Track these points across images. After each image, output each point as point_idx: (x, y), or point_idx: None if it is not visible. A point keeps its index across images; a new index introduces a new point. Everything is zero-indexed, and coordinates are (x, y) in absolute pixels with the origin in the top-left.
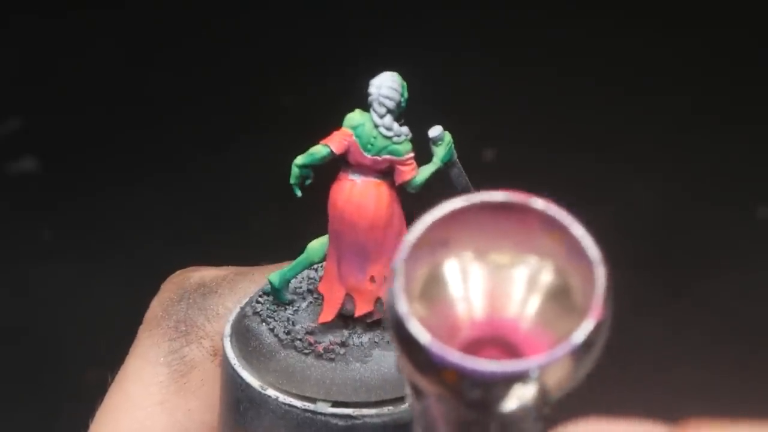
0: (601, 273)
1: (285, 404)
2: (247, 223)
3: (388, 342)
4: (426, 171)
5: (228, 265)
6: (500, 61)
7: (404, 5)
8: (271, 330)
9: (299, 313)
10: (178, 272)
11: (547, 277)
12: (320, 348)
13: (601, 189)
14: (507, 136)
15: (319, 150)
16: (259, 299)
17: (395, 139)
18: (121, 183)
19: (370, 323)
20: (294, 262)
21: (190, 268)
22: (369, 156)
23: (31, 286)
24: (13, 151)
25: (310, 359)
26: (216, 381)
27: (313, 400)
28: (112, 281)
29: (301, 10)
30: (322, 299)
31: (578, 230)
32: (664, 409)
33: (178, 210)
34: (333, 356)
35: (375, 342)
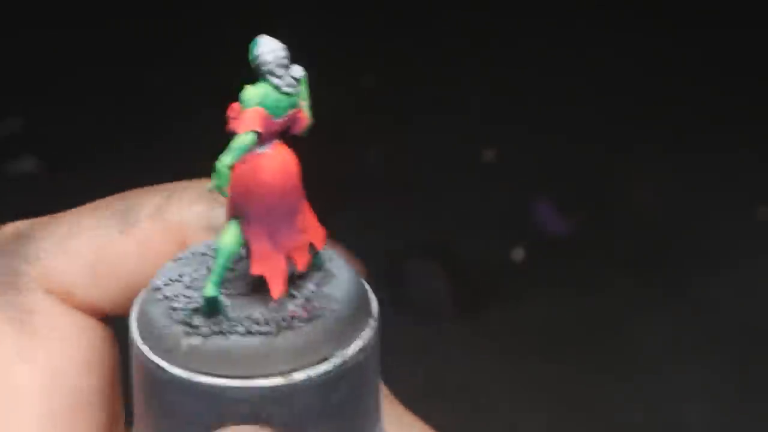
0: None
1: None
2: None
3: (324, 277)
4: (307, 110)
5: None
6: (500, 60)
7: (404, 5)
8: (238, 333)
9: (232, 312)
10: None
11: None
12: (305, 313)
13: (601, 189)
14: (507, 136)
15: (245, 140)
16: (193, 323)
17: (296, 86)
18: (122, 183)
19: (304, 272)
20: (217, 266)
21: (5, 224)
22: (279, 120)
23: None
24: (13, 151)
25: (308, 327)
26: (62, 315)
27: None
28: None
29: (302, 11)
30: (257, 283)
31: None
32: (664, 409)
33: None
34: (318, 313)
35: (317, 283)
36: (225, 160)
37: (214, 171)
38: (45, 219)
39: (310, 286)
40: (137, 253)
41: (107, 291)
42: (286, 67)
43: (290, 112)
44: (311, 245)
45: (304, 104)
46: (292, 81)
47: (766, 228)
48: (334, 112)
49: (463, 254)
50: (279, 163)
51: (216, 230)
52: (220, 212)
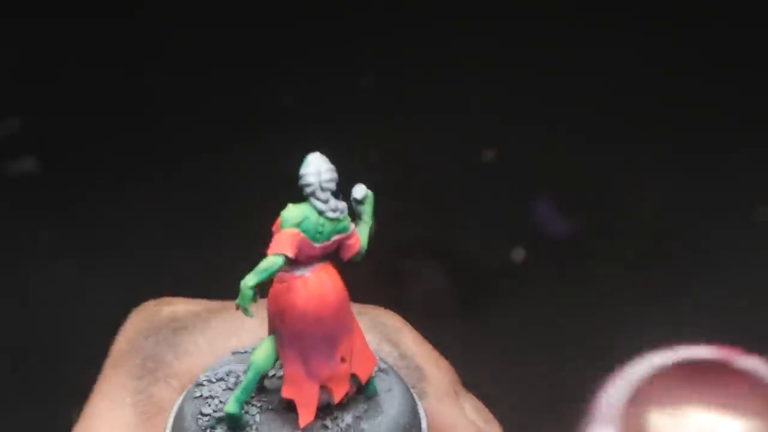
0: None
1: None
2: (249, 224)
3: (367, 410)
4: (364, 235)
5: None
6: (501, 60)
7: (405, 4)
8: None
9: (261, 428)
10: (146, 303)
11: None
12: None
13: (601, 189)
14: (507, 136)
15: (273, 262)
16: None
17: (342, 216)
18: (122, 183)
19: (343, 403)
20: (244, 382)
21: (162, 299)
22: (319, 245)
23: (29, 287)
24: (13, 151)
25: None
26: None
27: None
28: (112, 282)
29: (302, 10)
30: (284, 406)
31: None
32: None
33: (179, 210)
34: None
35: (358, 417)
36: (248, 281)
37: (239, 290)
38: (204, 309)
39: (347, 419)
40: None
41: None
42: (332, 191)
43: (336, 237)
44: (354, 376)
45: (362, 229)
46: (338, 206)
47: (766, 228)
48: (334, 112)
49: (463, 254)
50: (315, 289)
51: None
52: (388, 350)
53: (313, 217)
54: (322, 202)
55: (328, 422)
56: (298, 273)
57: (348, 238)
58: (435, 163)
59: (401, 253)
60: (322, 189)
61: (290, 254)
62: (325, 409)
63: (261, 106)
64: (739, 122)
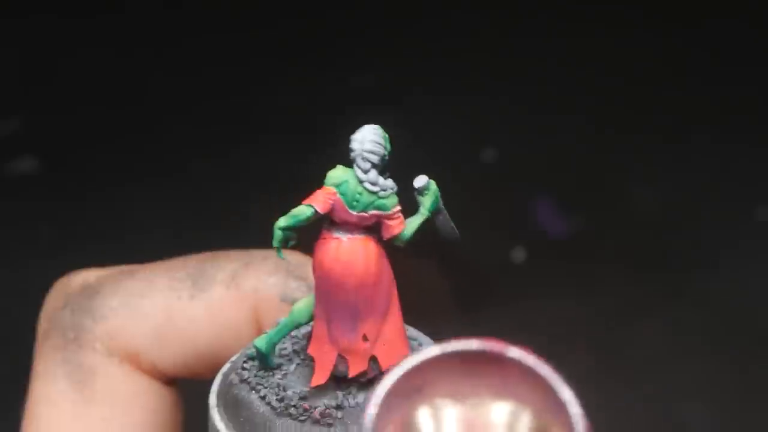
0: (579, 423)
1: None
2: (249, 221)
3: None
4: (414, 223)
5: None
6: (501, 60)
7: (405, 4)
8: (263, 398)
9: (288, 377)
10: (60, 279)
11: (525, 424)
12: (317, 413)
13: (601, 189)
14: (507, 136)
15: (303, 211)
16: (245, 365)
17: (381, 193)
18: (122, 183)
19: (363, 382)
20: (279, 325)
21: (73, 273)
22: (355, 213)
23: (29, 287)
24: (13, 151)
25: (307, 426)
26: (123, 382)
27: None
28: None
29: (302, 10)
30: (313, 362)
31: (557, 382)
32: (664, 408)
33: (179, 210)
34: (331, 421)
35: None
36: (280, 222)
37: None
38: (114, 273)
39: (359, 398)
40: (206, 318)
41: (172, 354)
42: (372, 163)
43: (374, 211)
44: (375, 360)
45: (414, 217)
46: (380, 181)
47: (766, 228)
48: (333, 112)
49: (463, 254)
50: (344, 255)
51: (288, 302)
52: (294, 285)
53: (353, 182)
54: (362, 171)
55: (339, 394)
56: (336, 234)
57: (388, 217)
58: (435, 163)
59: (401, 252)
60: (363, 158)
61: (320, 209)
62: (341, 381)
63: (261, 106)
64: (740, 122)
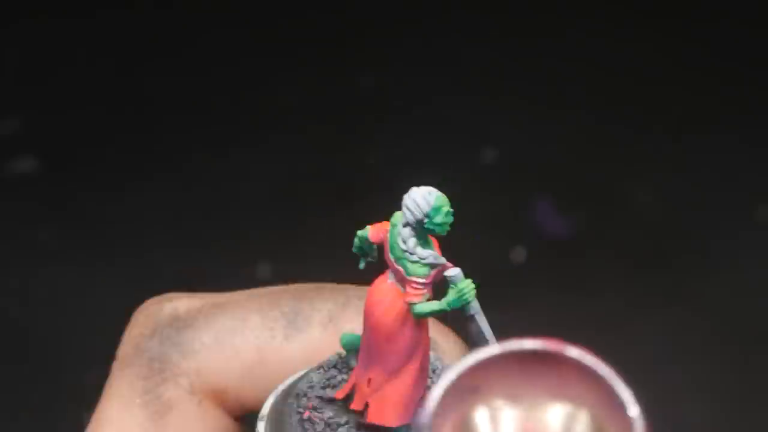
0: (639, 424)
1: None
2: (250, 222)
3: None
4: (429, 306)
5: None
6: (501, 60)
7: (405, 4)
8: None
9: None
10: (147, 302)
11: (581, 425)
12: (307, 414)
13: (601, 189)
14: (507, 136)
15: (361, 231)
16: (308, 392)
17: (409, 256)
18: (122, 183)
19: (360, 422)
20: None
21: (162, 296)
22: (391, 258)
23: (29, 287)
24: (13, 151)
25: None
26: (196, 420)
27: None
28: (113, 283)
29: (302, 10)
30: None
31: (618, 383)
32: (664, 409)
33: (180, 211)
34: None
35: (350, 427)
36: (358, 232)
37: None
38: (204, 304)
39: (342, 423)
40: (301, 359)
41: (262, 392)
42: (407, 220)
43: (399, 267)
44: (366, 407)
45: (434, 302)
46: (411, 247)
47: (766, 228)
48: (333, 112)
49: (463, 254)
50: (376, 294)
51: None
52: None
53: (395, 230)
54: (401, 223)
55: (330, 411)
56: (388, 273)
57: (407, 282)
58: (435, 163)
59: None
60: (403, 210)
61: (370, 235)
62: (346, 401)
63: (261, 106)
64: (739, 122)
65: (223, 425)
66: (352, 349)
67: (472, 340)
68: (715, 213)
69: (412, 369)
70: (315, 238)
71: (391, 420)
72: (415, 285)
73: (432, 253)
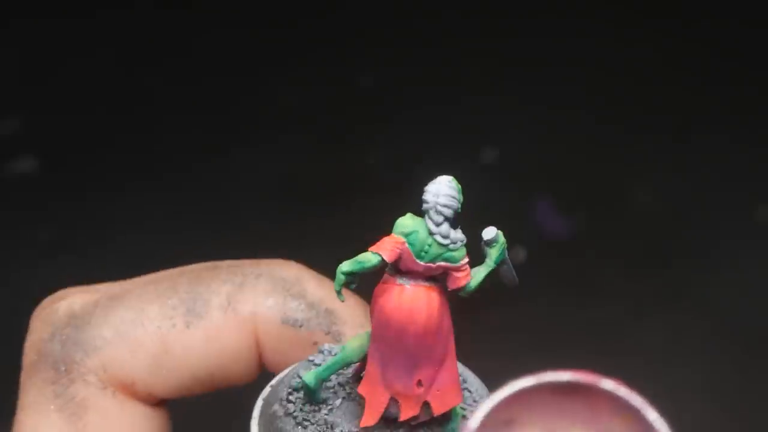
0: None
1: None
2: (249, 223)
3: None
4: (480, 274)
5: None
6: (501, 60)
7: (405, 4)
8: None
9: (335, 412)
10: (42, 303)
11: None
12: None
13: (601, 189)
14: (507, 136)
15: (369, 258)
16: (290, 397)
17: (452, 246)
18: (122, 183)
19: (413, 426)
20: (330, 362)
21: (55, 294)
22: (422, 263)
23: (29, 287)
24: (13, 151)
25: None
26: (115, 414)
27: None
28: (112, 281)
29: (302, 10)
30: (363, 401)
31: (651, 414)
32: (664, 409)
33: (179, 211)
34: None
35: None
36: (343, 266)
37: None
38: (100, 298)
39: None
40: (204, 346)
41: (169, 381)
42: (445, 217)
43: (442, 263)
44: (427, 405)
45: (480, 269)
46: (451, 234)
47: (766, 228)
48: (333, 112)
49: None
50: (407, 303)
51: (290, 324)
52: (294, 304)
53: (423, 233)
54: (434, 223)
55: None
56: (399, 281)
57: (455, 269)
58: (435, 163)
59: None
60: (437, 211)
61: (387, 258)
62: (390, 423)
63: (261, 106)
64: (740, 122)
65: (142, 413)
66: (319, 388)
67: (503, 279)
68: (715, 213)
69: (451, 348)
70: (315, 238)
71: (455, 399)
72: (463, 267)
73: (461, 234)
